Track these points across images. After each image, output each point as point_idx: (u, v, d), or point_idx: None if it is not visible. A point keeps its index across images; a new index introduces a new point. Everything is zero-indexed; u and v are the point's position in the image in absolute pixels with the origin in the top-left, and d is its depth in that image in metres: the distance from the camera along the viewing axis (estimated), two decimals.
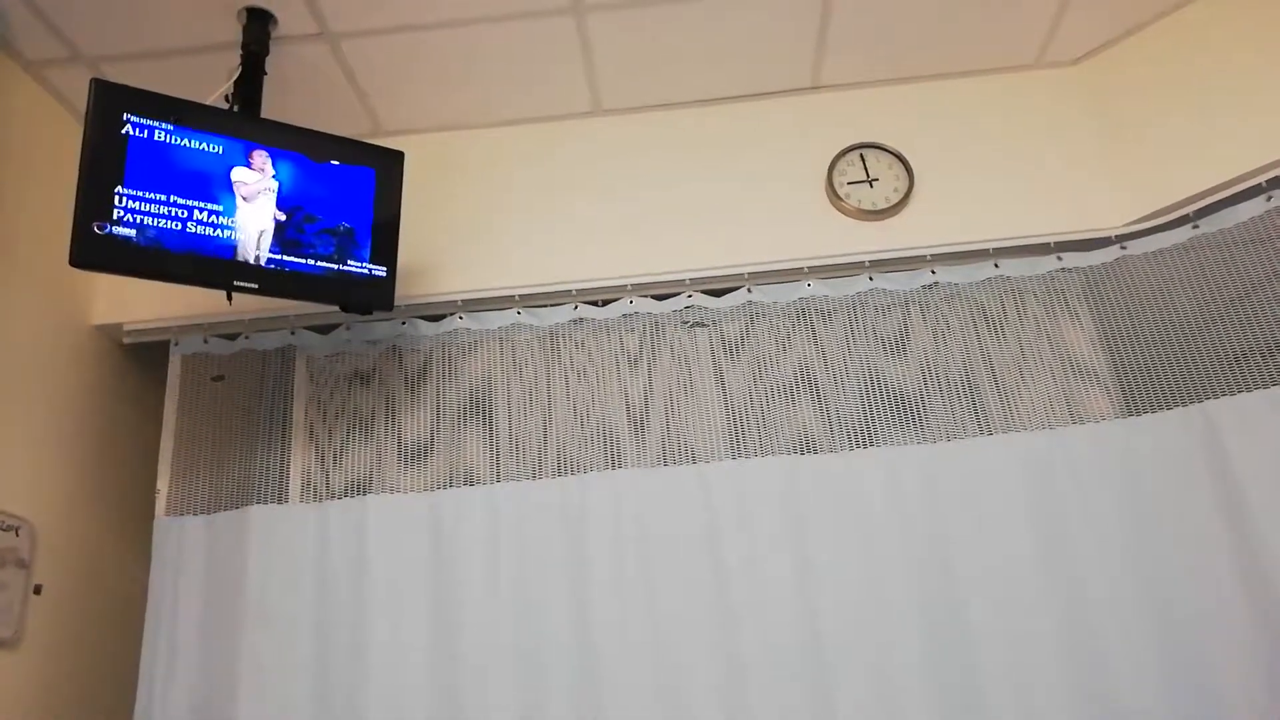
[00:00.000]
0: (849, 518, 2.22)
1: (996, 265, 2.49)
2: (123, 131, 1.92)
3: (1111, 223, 2.45)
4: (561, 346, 2.52)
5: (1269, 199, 2.26)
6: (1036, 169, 2.52)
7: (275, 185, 2.07)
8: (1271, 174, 2.24)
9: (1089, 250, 2.47)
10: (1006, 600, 2.12)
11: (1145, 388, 2.30)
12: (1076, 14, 2.46)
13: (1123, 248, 2.44)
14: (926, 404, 2.38)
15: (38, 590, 2.20)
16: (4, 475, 2.14)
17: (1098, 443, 2.22)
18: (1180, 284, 2.35)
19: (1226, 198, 2.31)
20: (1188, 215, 2.37)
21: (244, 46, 2.23)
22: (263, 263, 2.03)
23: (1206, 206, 2.35)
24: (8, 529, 2.11)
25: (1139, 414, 2.28)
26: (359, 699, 2.15)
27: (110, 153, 1.90)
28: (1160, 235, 2.40)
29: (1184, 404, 2.22)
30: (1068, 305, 2.46)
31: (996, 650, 2.09)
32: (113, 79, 1.93)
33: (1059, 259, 2.48)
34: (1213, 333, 2.26)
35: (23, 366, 2.24)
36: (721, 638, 2.15)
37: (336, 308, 2.24)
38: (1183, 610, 2.06)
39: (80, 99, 2.38)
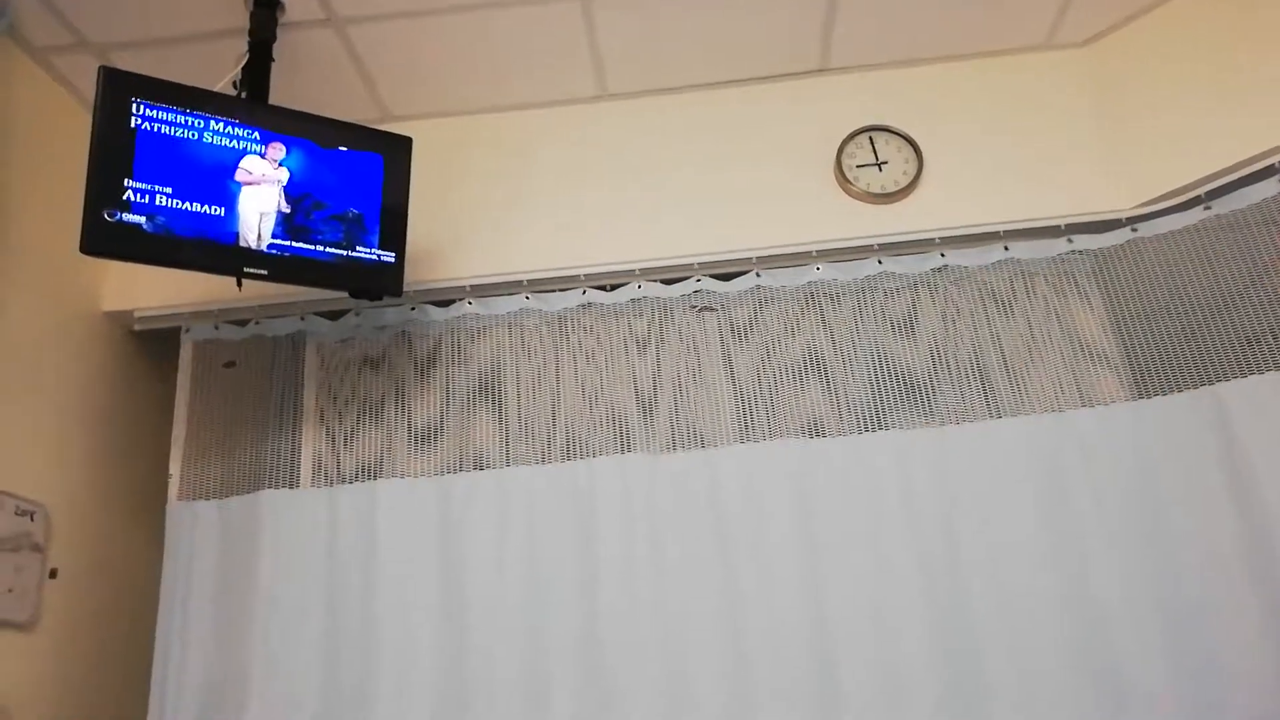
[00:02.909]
0: (858, 501, 2.22)
1: (1006, 248, 2.47)
2: (131, 119, 1.92)
3: (1122, 205, 2.43)
4: (570, 331, 2.52)
5: None
6: (1046, 151, 2.50)
7: (282, 172, 2.08)
8: None
9: (1099, 232, 2.46)
10: (1014, 582, 2.12)
11: (1156, 370, 2.29)
12: None
13: (1134, 230, 2.43)
14: (936, 387, 2.38)
15: (53, 574, 2.23)
16: (19, 461, 2.16)
17: (1108, 425, 2.21)
18: (1191, 266, 2.33)
19: (1238, 179, 2.29)
20: (1199, 197, 2.35)
21: (251, 33, 2.23)
22: (264, 247, 2.04)
23: (1218, 188, 2.32)
24: (23, 514, 2.14)
25: (1149, 396, 2.27)
26: (369, 680, 2.17)
27: (119, 140, 1.91)
28: (1171, 217, 2.39)
29: (1194, 386, 2.21)
30: (1078, 288, 2.45)
31: (1003, 631, 2.09)
32: (120, 66, 1.93)
33: (1069, 241, 2.46)
34: (1224, 315, 2.25)
35: (35, 354, 2.26)
36: (729, 620, 2.15)
37: (346, 294, 2.25)
38: (1191, 593, 2.06)
39: (88, 86, 2.38)
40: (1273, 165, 2.24)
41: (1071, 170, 2.48)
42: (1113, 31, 2.56)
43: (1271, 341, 2.15)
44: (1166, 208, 2.40)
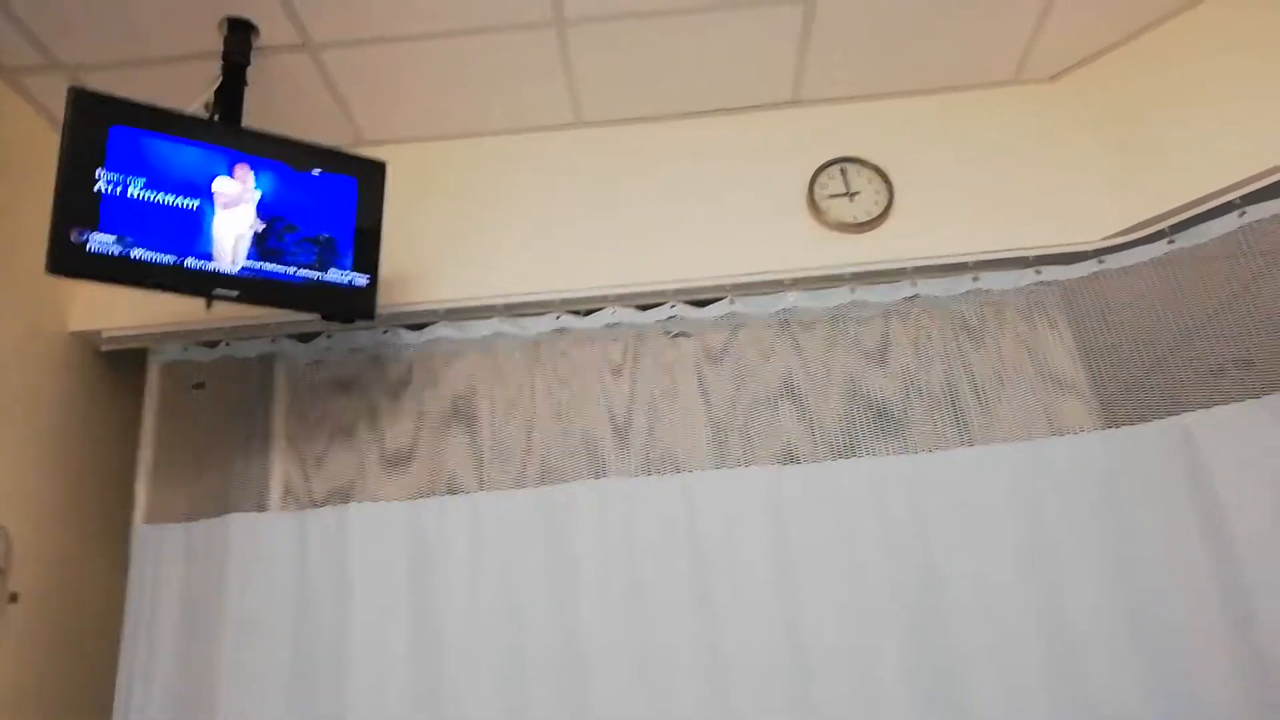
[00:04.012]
0: (831, 528, 2.23)
1: (975, 278, 2.50)
2: (101, 139, 1.91)
3: (1089, 237, 2.47)
4: (544, 356, 2.52)
5: (1242, 214, 2.28)
6: (1015, 184, 2.54)
7: (256, 195, 2.07)
8: (1244, 190, 2.27)
9: (1067, 264, 2.50)
10: (988, 609, 2.13)
11: (1124, 400, 2.32)
12: (1053, 32, 2.48)
13: (1100, 261, 2.47)
14: (908, 415, 2.39)
15: (14, 598, 2.18)
16: None
17: (1077, 455, 2.24)
18: (1157, 298, 2.37)
19: (1201, 214, 2.34)
20: (1163, 230, 2.40)
21: (225, 56, 2.23)
22: (238, 270, 2.03)
23: (1182, 222, 2.37)
24: None
25: (1118, 426, 2.29)
26: (340, 708, 2.14)
27: (88, 160, 1.89)
28: (1137, 250, 2.43)
29: (1162, 416, 2.24)
30: (1047, 318, 2.48)
31: (978, 658, 2.10)
32: (92, 87, 1.92)
33: (1037, 272, 2.50)
34: (1189, 346, 2.29)
35: None
36: (706, 646, 2.15)
37: (318, 316, 2.24)
38: (1162, 620, 2.08)
39: (58, 107, 2.37)
40: (1233, 200, 2.29)
41: (1039, 202, 2.51)
42: (1078, 68, 2.61)
43: (1235, 372, 2.19)
44: (1132, 240, 2.44)
